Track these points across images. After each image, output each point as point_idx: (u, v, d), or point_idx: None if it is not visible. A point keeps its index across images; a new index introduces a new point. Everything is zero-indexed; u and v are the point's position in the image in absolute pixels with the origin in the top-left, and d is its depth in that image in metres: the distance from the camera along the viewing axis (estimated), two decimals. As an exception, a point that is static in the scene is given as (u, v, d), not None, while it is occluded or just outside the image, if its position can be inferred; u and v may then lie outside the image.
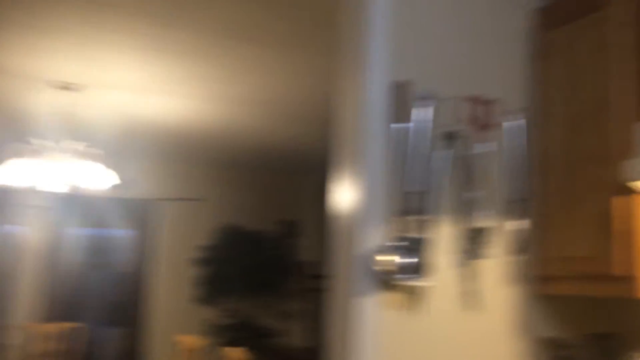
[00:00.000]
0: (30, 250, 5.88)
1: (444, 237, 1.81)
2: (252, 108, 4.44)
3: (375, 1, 1.82)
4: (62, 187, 3.96)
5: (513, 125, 1.94)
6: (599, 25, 1.78)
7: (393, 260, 1.69)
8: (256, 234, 6.53)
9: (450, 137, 1.84)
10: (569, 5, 1.90)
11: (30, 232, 5.89)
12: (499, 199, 1.91)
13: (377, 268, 1.70)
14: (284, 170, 6.78)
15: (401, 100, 1.78)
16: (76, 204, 5.67)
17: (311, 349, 5.69)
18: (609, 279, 1.67)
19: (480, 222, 1.85)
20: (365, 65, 1.80)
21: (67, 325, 5.09)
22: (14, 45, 3.32)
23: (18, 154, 3.89)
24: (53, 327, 5.06)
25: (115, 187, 4.34)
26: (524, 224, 1.92)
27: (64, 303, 5.95)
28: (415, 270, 1.71)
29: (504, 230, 1.90)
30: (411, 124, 1.77)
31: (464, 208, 1.85)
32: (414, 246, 1.72)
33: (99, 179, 4.07)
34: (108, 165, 4.18)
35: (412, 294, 1.76)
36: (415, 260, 1.71)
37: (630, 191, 1.63)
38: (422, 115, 1.78)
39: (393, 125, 1.77)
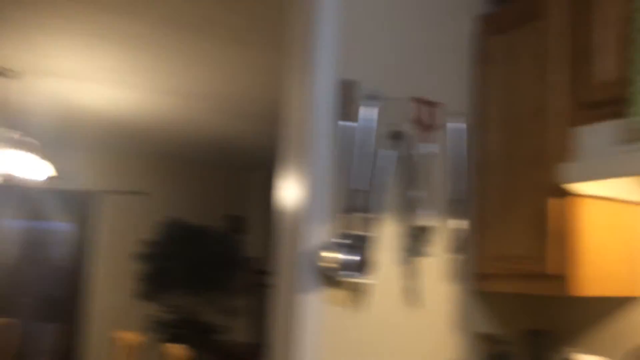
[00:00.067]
0: (-40, 243, 5.59)
1: (387, 235, 1.84)
2: (200, 102, 4.38)
3: (324, 0, 1.83)
4: (-5, 177, 3.80)
5: (456, 127, 1.99)
6: (538, 34, 1.85)
7: (337, 257, 1.70)
8: (201, 229, 6.45)
9: (395, 137, 1.87)
10: (511, 14, 1.96)
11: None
12: (440, 199, 1.96)
13: (321, 265, 1.71)
14: (231, 165, 6.72)
15: (348, 99, 1.80)
16: (11, 195, 5.44)
17: (255, 345, 5.67)
18: (543, 277, 1.74)
19: (423, 221, 1.90)
20: (313, 63, 1.80)
21: (-1, 321, 4.87)
22: (-55, 28, 3.15)
23: (-52, 141, 3.69)
24: (-16, 324, 4.83)
25: (52, 178, 4.19)
26: (464, 223, 1.98)
27: (-3, 298, 5.70)
28: (359, 267, 1.73)
29: (445, 229, 1.95)
30: (358, 123, 1.79)
31: (407, 207, 1.88)
32: (358, 243, 1.74)
33: (34, 169, 3.92)
34: (45, 156, 4.03)
35: (356, 290, 1.78)
36: (359, 257, 1.73)
37: (565, 193, 1.70)
38: (368, 114, 1.80)
39: (340, 123, 1.78)
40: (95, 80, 3.94)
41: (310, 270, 1.72)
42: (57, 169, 4.34)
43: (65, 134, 5.22)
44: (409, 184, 1.89)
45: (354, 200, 1.77)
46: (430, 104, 1.94)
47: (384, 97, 1.83)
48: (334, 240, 1.73)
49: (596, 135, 1.61)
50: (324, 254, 1.71)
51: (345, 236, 1.74)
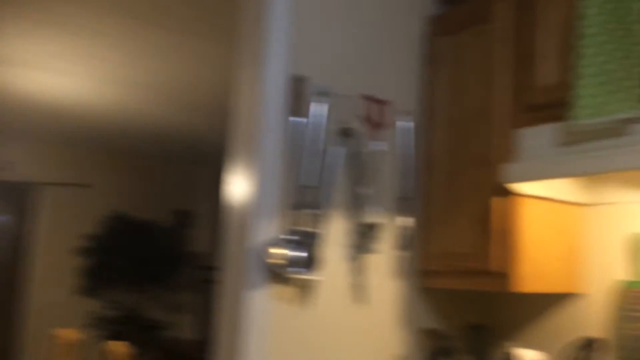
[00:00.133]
0: None
1: (335, 232, 1.85)
2: (149, 93, 4.27)
3: (277, -6, 1.82)
4: None
5: (404, 125, 2.02)
6: (484, 37, 1.89)
7: (285, 254, 1.70)
8: (147, 223, 6.31)
9: (345, 134, 1.87)
10: (459, 16, 2.00)
11: None
12: (388, 196, 1.98)
13: (268, 261, 1.70)
14: (179, 159, 6.60)
15: (299, 95, 1.79)
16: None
17: (200, 342, 5.60)
18: (486, 274, 1.78)
19: (371, 218, 1.91)
20: (264, 57, 1.78)
21: None
22: None
23: None
24: None
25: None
26: (411, 221, 2.01)
27: None
28: (307, 263, 1.73)
29: (392, 227, 1.98)
30: (308, 119, 1.78)
31: (356, 204, 1.90)
32: (306, 240, 1.74)
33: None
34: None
35: (303, 287, 1.78)
36: (306, 253, 1.73)
37: (507, 193, 1.75)
38: (318, 111, 1.80)
39: (290, 119, 1.78)
40: (38, 67, 3.79)
41: (258, 267, 1.70)
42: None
43: (3, 122, 5.00)
44: (358, 181, 1.91)
45: (302, 197, 1.77)
46: (379, 102, 1.96)
47: (334, 94, 1.84)
48: (282, 236, 1.72)
49: (538, 137, 1.67)
50: (272, 250, 1.70)
51: (294, 232, 1.73)
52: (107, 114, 4.86)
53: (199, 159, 6.50)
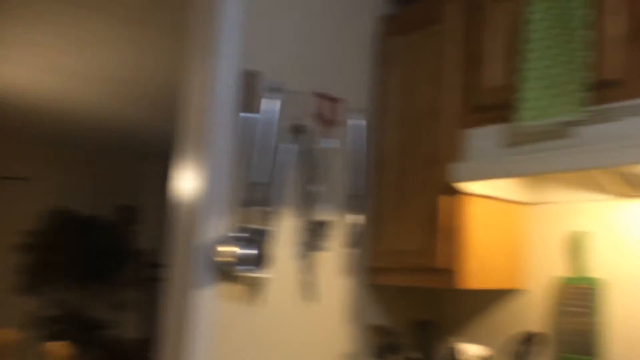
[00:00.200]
0: None
1: (285, 229, 1.84)
2: (92, 84, 4.13)
3: (229, -13, 1.79)
4: None
5: (356, 123, 2.03)
6: (435, 37, 1.92)
7: (234, 251, 1.67)
8: (90, 219, 6.13)
9: (296, 131, 1.86)
10: (411, 16, 2.03)
11: None
12: (339, 194, 1.98)
13: (217, 259, 1.67)
14: (124, 152, 6.42)
15: (250, 90, 1.77)
16: None
17: (144, 341, 5.48)
18: (433, 271, 1.82)
19: (321, 216, 1.91)
20: (215, 50, 1.75)
21: None
22: None
23: None
24: None
25: None
26: (361, 218, 2.02)
27: None
28: (256, 261, 1.71)
29: (343, 224, 1.99)
30: (259, 115, 1.77)
31: (306, 201, 1.89)
32: (255, 237, 1.72)
33: None
34: None
35: (252, 285, 1.76)
36: (256, 251, 1.71)
37: (454, 191, 1.79)
38: (270, 107, 1.79)
39: (241, 115, 1.75)
40: (-28, 54, 3.61)
41: (206, 264, 1.67)
42: None
43: None
44: (309, 178, 1.90)
45: (253, 194, 1.75)
46: (331, 99, 1.96)
47: (286, 90, 1.82)
48: (231, 233, 1.70)
49: (484, 138, 1.71)
50: (221, 247, 1.68)
51: (243, 230, 1.71)
52: (48, 105, 4.68)
53: (145, 153, 6.34)
